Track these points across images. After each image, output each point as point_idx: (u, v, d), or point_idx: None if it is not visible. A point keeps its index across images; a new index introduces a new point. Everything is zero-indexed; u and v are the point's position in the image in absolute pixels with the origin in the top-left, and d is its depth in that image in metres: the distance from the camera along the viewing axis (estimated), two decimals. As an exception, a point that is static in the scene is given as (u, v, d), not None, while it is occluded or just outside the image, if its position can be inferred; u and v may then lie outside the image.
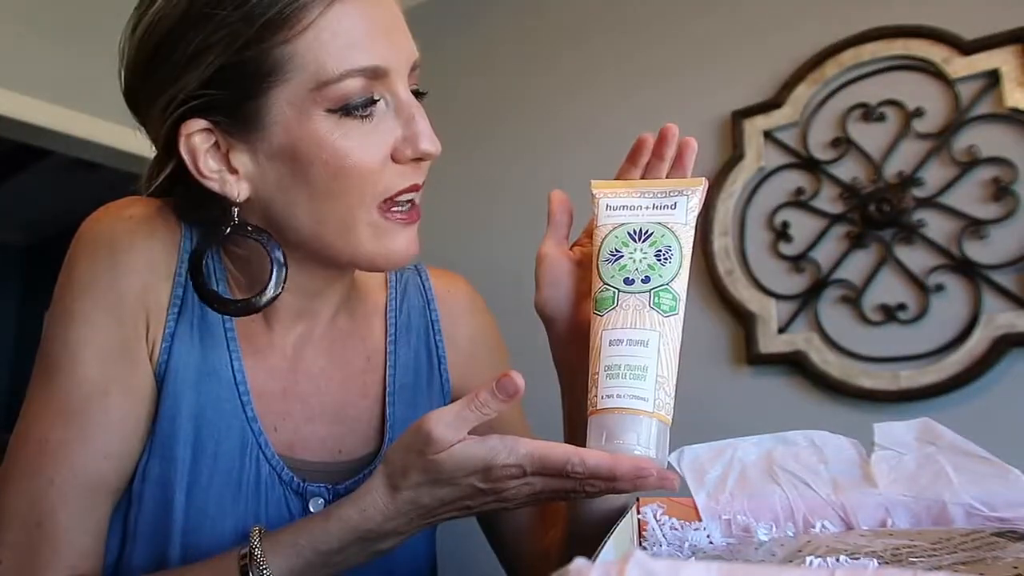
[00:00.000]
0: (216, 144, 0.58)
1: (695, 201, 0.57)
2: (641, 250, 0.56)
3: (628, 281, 0.55)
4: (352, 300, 0.72)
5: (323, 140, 0.56)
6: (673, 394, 0.52)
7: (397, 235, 0.61)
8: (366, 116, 0.57)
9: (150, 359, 0.62)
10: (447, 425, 0.49)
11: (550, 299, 0.61)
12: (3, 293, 5.22)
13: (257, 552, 0.53)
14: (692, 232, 0.56)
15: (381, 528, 0.53)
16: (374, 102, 0.57)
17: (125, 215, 0.64)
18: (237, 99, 0.56)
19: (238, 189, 0.59)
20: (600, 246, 0.58)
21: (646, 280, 0.54)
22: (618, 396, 0.51)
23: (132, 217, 0.64)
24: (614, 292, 0.55)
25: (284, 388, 0.67)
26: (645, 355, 0.51)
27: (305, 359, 0.69)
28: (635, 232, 0.57)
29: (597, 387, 0.52)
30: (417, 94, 0.62)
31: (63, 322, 0.61)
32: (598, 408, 0.51)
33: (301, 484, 0.65)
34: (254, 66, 0.55)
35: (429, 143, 0.59)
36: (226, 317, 0.64)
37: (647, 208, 0.58)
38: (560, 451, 0.49)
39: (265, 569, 0.53)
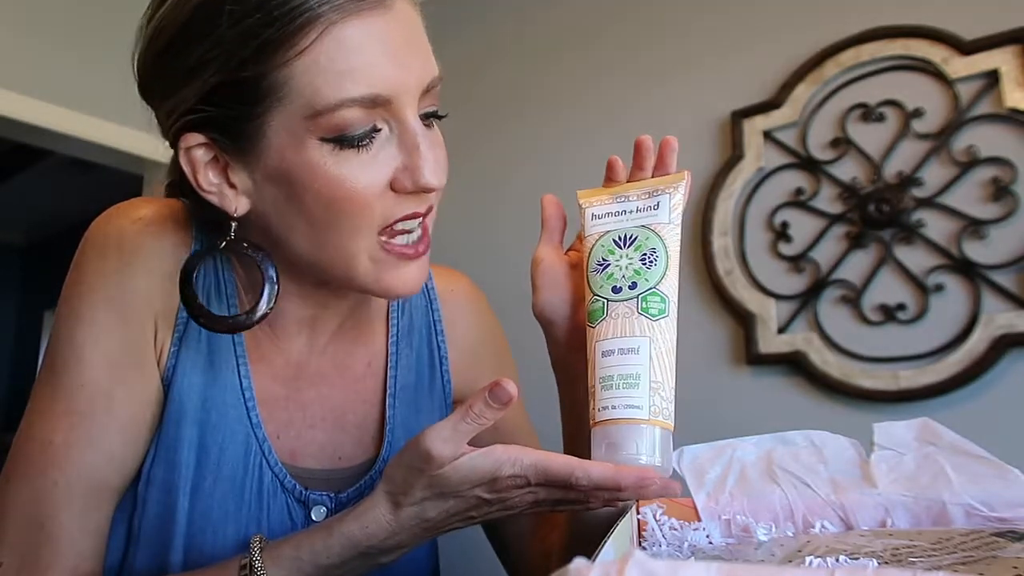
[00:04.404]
0: (215, 158, 0.56)
1: (679, 197, 0.57)
2: (627, 256, 0.55)
3: (616, 289, 0.54)
4: (358, 306, 0.71)
5: (316, 168, 0.53)
6: (672, 398, 0.52)
7: (397, 270, 0.58)
8: (364, 145, 0.53)
9: (157, 363, 0.62)
10: (444, 441, 0.49)
11: (548, 303, 0.61)
12: (3, 293, 5.22)
13: (257, 564, 0.53)
14: (678, 229, 0.56)
15: (384, 544, 0.53)
16: (375, 131, 0.54)
17: (135, 216, 0.63)
18: (233, 118, 0.54)
19: (236, 204, 0.57)
20: (588, 257, 0.57)
21: (632, 286, 0.54)
22: (613, 407, 0.51)
23: (142, 219, 0.63)
24: (603, 302, 0.54)
25: (287, 395, 0.67)
26: (636, 363, 0.51)
27: (310, 366, 0.68)
28: (620, 239, 0.57)
29: (595, 399, 0.52)
30: (433, 116, 0.58)
31: (69, 323, 0.60)
32: (597, 420, 0.51)
33: (304, 492, 0.65)
34: (250, 87, 0.52)
35: (431, 176, 0.55)
36: None
37: (631, 212, 0.57)
38: (563, 463, 0.48)
39: None
